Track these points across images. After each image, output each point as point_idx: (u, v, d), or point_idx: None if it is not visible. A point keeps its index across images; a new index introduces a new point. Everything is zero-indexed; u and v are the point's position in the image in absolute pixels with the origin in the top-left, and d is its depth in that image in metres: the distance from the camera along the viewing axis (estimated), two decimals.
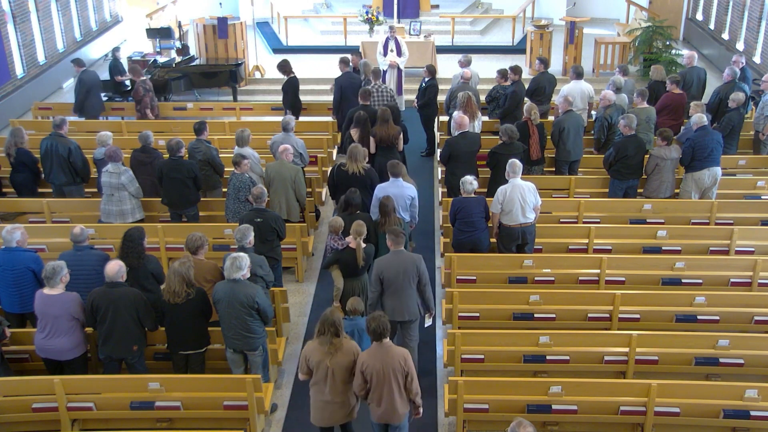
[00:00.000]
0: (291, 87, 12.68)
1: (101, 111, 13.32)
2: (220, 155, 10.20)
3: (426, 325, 7.75)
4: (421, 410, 6.32)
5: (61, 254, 7.54)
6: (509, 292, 7.96)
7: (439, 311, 8.73)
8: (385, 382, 5.97)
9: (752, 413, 6.46)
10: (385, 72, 14.34)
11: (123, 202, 9.21)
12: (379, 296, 7.23)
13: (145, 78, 12.80)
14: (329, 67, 15.45)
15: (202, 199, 9.74)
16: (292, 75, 12.66)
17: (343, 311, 7.19)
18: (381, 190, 8.67)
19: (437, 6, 19.56)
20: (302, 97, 15.18)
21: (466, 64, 12.36)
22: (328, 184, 9.66)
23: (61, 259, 7.16)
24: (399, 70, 14.46)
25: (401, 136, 10.43)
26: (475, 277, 8.39)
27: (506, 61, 13.99)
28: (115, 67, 14.50)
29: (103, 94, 14.72)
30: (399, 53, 14.40)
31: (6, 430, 6.80)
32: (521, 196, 8.47)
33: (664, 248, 9.00)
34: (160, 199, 9.53)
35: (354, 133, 10.31)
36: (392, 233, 7.29)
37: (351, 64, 12.86)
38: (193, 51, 16.90)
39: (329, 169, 11.75)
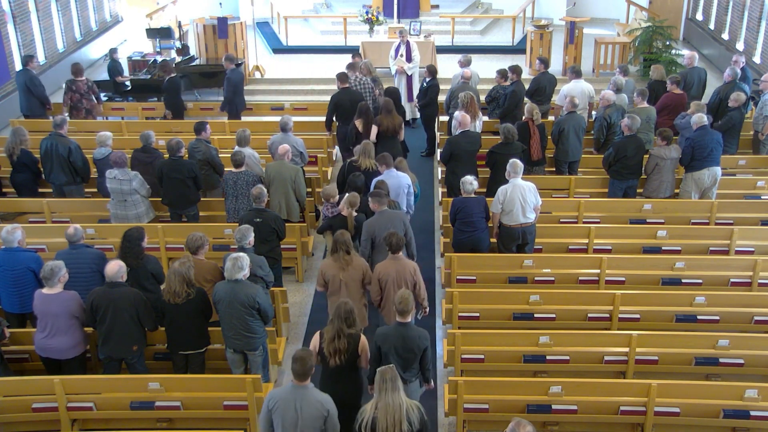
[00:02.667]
0: (172, 86, 12.76)
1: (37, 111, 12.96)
2: (220, 155, 10.20)
3: None
4: (427, 310, 7.54)
5: (57, 253, 7.55)
6: (509, 292, 7.96)
7: (439, 311, 8.73)
8: (397, 288, 6.88)
9: (752, 413, 6.46)
10: (394, 77, 14.29)
11: (137, 206, 9.21)
12: (370, 254, 7.79)
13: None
14: (330, 67, 15.45)
15: (201, 199, 9.74)
16: (173, 75, 12.75)
17: None
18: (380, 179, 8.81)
19: (437, 6, 19.54)
20: (303, 98, 15.24)
21: (466, 63, 12.35)
22: (338, 180, 9.78)
23: (57, 258, 7.17)
24: (408, 77, 14.10)
25: (403, 125, 10.75)
26: (475, 277, 8.39)
27: (506, 61, 13.97)
28: (113, 68, 14.50)
29: (103, 95, 14.76)
30: (409, 59, 14.06)
31: (6, 430, 6.80)
32: (522, 196, 8.47)
33: (664, 248, 9.00)
34: (160, 199, 9.53)
35: (359, 123, 10.50)
36: (373, 195, 7.93)
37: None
38: (193, 51, 16.89)
39: (330, 169, 11.84)
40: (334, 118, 11.70)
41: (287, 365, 7.99)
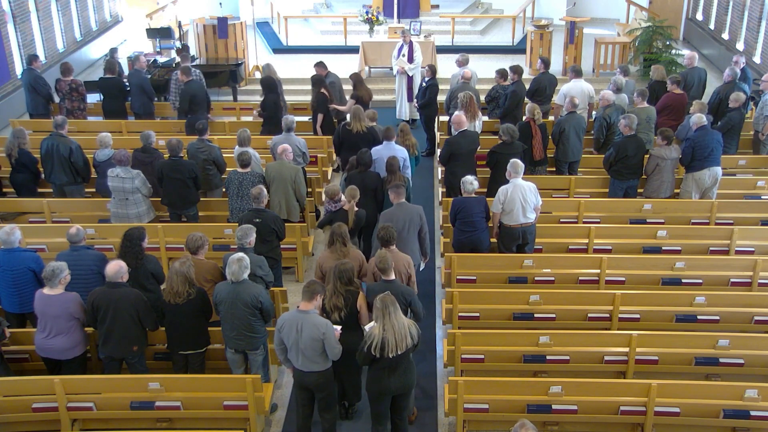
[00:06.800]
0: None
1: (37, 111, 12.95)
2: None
3: (420, 269, 8.45)
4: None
5: (58, 254, 7.54)
6: (509, 292, 7.96)
7: (439, 311, 8.73)
8: None
9: (752, 413, 6.46)
10: (396, 77, 14.36)
11: (138, 205, 9.22)
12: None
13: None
14: (330, 67, 15.43)
15: (202, 199, 9.74)
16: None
17: None
18: (376, 152, 9.45)
19: (437, 6, 19.54)
20: (303, 98, 15.21)
21: (464, 63, 12.36)
22: (334, 143, 10.68)
23: (58, 259, 7.16)
24: (409, 77, 14.10)
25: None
26: (475, 277, 8.39)
27: (506, 61, 13.97)
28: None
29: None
30: (411, 59, 14.05)
31: (6, 430, 6.80)
32: (522, 196, 8.47)
33: (664, 248, 9.00)
34: (159, 199, 9.52)
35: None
36: (393, 188, 8.20)
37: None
38: (193, 51, 16.88)
39: (329, 169, 11.85)
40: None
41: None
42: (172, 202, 9.46)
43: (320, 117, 11.90)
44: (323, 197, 8.67)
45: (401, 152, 9.54)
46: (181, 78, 12.18)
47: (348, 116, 11.03)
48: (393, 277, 6.81)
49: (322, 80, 11.96)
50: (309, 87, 15.85)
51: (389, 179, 8.91)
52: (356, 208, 8.33)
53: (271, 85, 11.98)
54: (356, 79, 12.13)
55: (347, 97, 12.61)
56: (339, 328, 6.42)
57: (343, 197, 8.41)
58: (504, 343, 7.29)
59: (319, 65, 12.59)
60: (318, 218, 10.70)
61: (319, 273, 7.44)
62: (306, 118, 12.97)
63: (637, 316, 7.80)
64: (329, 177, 11.80)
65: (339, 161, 11.03)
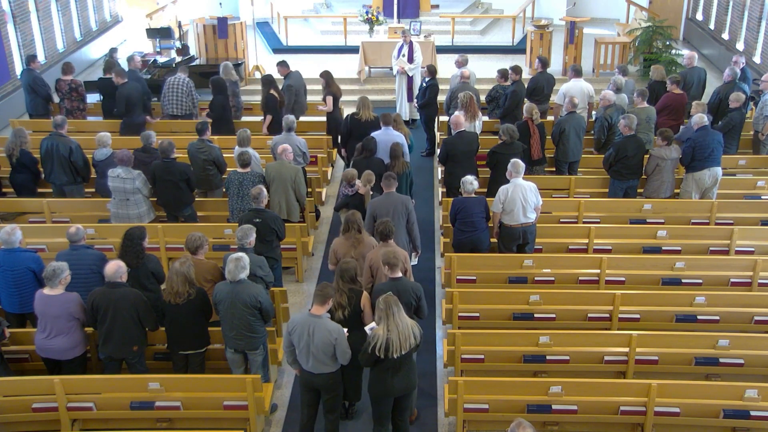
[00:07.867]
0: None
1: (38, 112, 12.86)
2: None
3: (412, 263, 8.28)
4: None
5: (58, 254, 7.54)
6: (509, 292, 7.96)
7: (439, 311, 8.73)
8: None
9: (752, 413, 6.46)
10: (396, 77, 14.39)
11: (139, 205, 9.21)
12: (372, 232, 7.90)
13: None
14: (330, 67, 15.45)
15: (202, 199, 9.73)
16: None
17: None
18: (374, 136, 9.79)
19: (437, 6, 19.55)
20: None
21: (463, 63, 12.37)
22: (341, 132, 11.06)
23: (58, 258, 7.16)
24: (409, 77, 14.12)
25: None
26: (475, 277, 8.39)
27: (506, 61, 13.97)
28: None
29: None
30: (411, 59, 14.06)
31: (6, 430, 6.80)
32: (523, 195, 8.47)
33: (664, 248, 9.00)
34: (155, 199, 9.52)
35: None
36: (386, 177, 8.36)
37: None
38: (193, 51, 16.89)
39: (330, 170, 11.85)
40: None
41: (287, 365, 8.01)
42: (167, 204, 9.45)
43: (268, 118, 11.78)
44: (341, 183, 8.86)
45: (399, 138, 9.87)
46: (116, 80, 11.94)
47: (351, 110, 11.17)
48: (400, 274, 6.81)
49: (272, 81, 11.89)
50: (309, 87, 15.92)
51: (393, 164, 9.23)
52: (371, 192, 8.56)
53: (220, 86, 11.87)
54: (327, 76, 12.17)
55: (320, 97, 12.61)
56: (345, 330, 6.43)
57: (358, 182, 8.61)
58: (504, 343, 7.29)
59: (281, 64, 12.56)
60: (318, 218, 10.73)
61: (334, 259, 7.54)
62: (307, 118, 12.99)
63: (637, 316, 7.80)
64: (329, 177, 11.81)
65: (345, 153, 11.11)
